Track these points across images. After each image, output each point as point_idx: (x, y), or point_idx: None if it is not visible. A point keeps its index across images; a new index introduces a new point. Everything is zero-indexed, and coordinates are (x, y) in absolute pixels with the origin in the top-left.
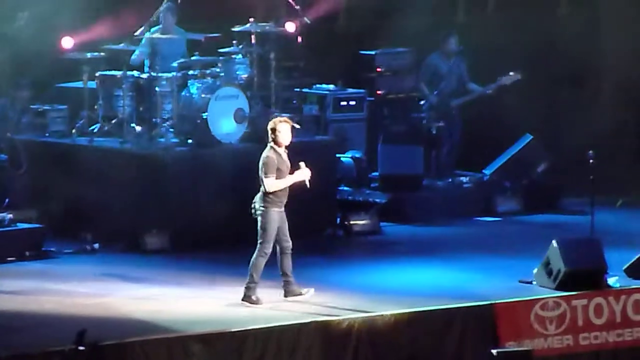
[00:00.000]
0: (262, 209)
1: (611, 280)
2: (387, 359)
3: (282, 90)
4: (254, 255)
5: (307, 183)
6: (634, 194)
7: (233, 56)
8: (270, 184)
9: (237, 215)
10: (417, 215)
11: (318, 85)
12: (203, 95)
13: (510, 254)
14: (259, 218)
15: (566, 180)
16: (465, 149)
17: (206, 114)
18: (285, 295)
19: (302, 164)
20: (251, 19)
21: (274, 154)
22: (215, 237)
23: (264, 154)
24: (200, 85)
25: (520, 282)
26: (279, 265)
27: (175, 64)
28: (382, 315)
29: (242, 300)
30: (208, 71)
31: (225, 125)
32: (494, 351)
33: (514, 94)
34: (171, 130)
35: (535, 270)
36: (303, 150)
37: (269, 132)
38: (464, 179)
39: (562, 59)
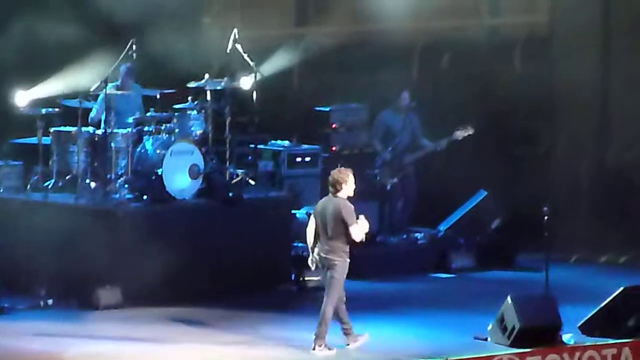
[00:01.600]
0: (339, 259)
1: (566, 337)
2: None
3: (237, 146)
4: (326, 305)
5: (364, 236)
6: (588, 250)
7: (188, 112)
8: (359, 232)
9: (191, 271)
10: (371, 272)
11: (273, 141)
12: (158, 151)
13: (465, 311)
14: (332, 269)
15: (520, 237)
16: (419, 204)
17: (161, 169)
18: (348, 343)
19: (362, 216)
20: (206, 75)
21: None
22: (169, 293)
23: (343, 203)
24: (155, 141)
25: (475, 338)
26: (334, 313)
27: (130, 120)
28: None
29: (315, 349)
30: (163, 127)
31: (180, 181)
32: None
33: (468, 150)
34: (125, 186)
35: (489, 327)
36: (258, 206)
37: (340, 183)
38: (418, 235)
39: (516, 115)
